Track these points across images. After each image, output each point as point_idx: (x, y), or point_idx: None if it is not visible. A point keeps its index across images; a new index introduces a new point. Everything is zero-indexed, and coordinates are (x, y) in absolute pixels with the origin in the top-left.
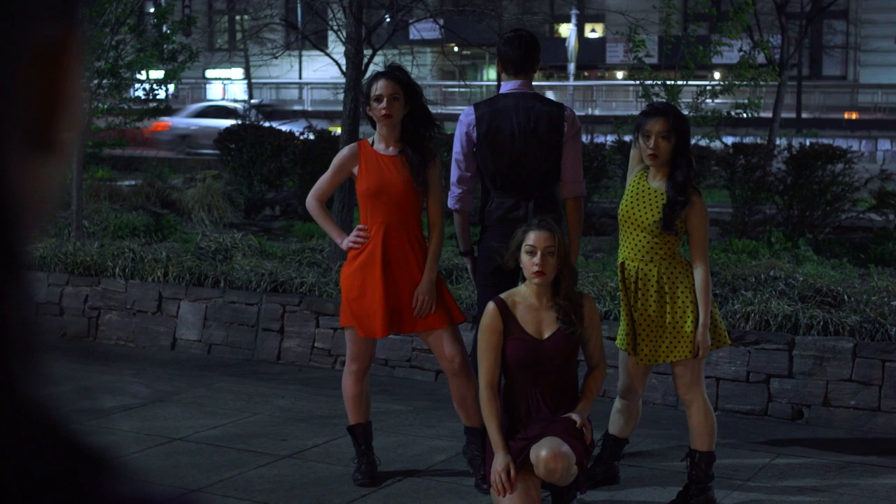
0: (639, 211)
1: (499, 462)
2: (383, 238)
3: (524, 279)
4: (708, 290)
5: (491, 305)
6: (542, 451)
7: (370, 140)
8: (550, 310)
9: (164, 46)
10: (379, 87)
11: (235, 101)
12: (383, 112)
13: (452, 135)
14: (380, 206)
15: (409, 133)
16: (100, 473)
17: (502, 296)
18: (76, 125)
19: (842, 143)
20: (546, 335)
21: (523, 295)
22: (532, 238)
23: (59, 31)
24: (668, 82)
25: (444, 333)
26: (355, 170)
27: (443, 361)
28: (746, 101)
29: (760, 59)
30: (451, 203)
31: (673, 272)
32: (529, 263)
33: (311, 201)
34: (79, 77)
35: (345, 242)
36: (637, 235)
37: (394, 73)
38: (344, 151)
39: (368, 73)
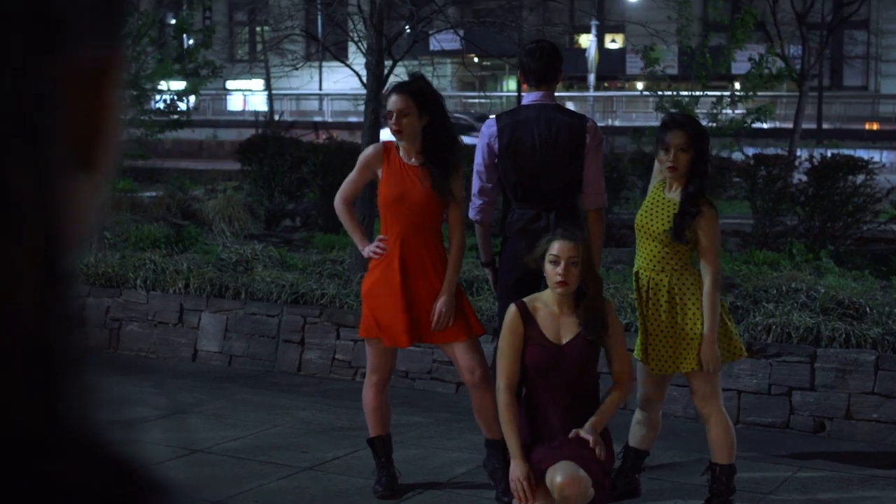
0: (652, 221)
1: (518, 470)
2: (401, 248)
3: (547, 287)
4: (714, 300)
5: (512, 308)
6: (557, 477)
7: (397, 146)
8: (571, 317)
9: (187, 63)
10: (391, 102)
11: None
12: (394, 128)
13: (471, 146)
14: (399, 216)
15: (429, 144)
16: (149, 495)
17: (525, 299)
18: (118, 144)
19: (863, 153)
20: (565, 341)
21: (545, 301)
22: (556, 248)
23: (102, 52)
24: (684, 93)
25: (464, 346)
26: (379, 171)
27: (463, 373)
28: (761, 108)
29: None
30: (472, 214)
31: (684, 283)
32: (553, 273)
33: (338, 203)
34: (120, 97)
35: (366, 250)
36: (650, 245)
37: (406, 87)
38: (369, 150)
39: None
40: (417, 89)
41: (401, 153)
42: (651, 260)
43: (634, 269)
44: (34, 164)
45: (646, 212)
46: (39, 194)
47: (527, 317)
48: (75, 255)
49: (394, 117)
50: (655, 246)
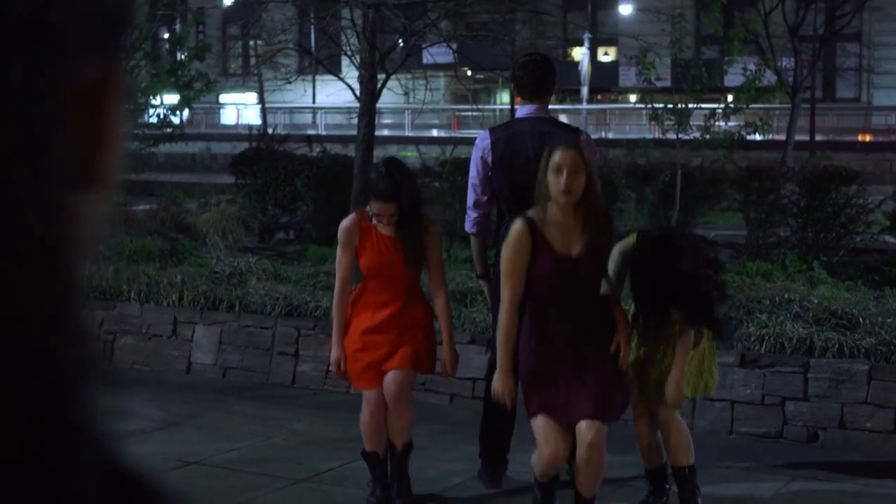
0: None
1: (503, 384)
2: (380, 305)
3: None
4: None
5: (519, 222)
6: (587, 438)
7: (368, 210)
8: (579, 228)
9: (179, 74)
10: (380, 207)
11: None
12: (383, 222)
13: (468, 158)
14: (377, 284)
15: (403, 222)
16: None
17: (530, 212)
18: (120, 159)
19: (856, 165)
20: (575, 253)
21: (551, 214)
22: (559, 156)
23: (103, 66)
24: (678, 105)
25: (401, 373)
26: (356, 241)
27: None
28: (759, 121)
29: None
30: (467, 227)
31: None
32: (556, 182)
33: (337, 287)
34: (122, 111)
35: (332, 356)
36: None
37: (392, 191)
38: (344, 225)
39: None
40: (400, 192)
41: (375, 221)
42: None
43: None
44: (38, 179)
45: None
46: (44, 210)
47: (535, 230)
48: (81, 269)
49: (384, 220)
50: None
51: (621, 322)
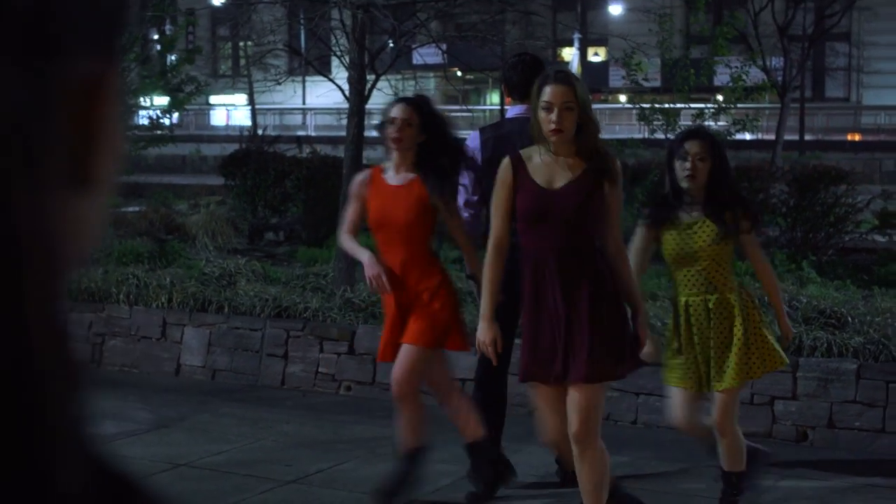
0: (688, 242)
1: (486, 333)
2: (389, 265)
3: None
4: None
5: (506, 159)
6: (573, 423)
7: (383, 168)
8: (567, 164)
9: (170, 77)
10: (394, 110)
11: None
12: (393, 135)
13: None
14: (382, 237)
15: (422, 160)
16: None
17: (521, 151)
18: (116, 160)
19: (845, 165)
20: (558, 185)
21: (542, 151)
22: (548, 93)
23: (99, 65)
24: (666, 105)
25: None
26: (367, 195)
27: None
28: (746, 117)
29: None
30: None
31: (733, 296)
32: (546, 120)
33: (341, 235)
34: (117, 112)
35: (368, 269)
36: (692, 269)
37: (413, 99)
38: (356, 179)
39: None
40: (422, 105)
41: (387, 174)
42: (697, 283)
43: (681, 300)
44: (33, 179)
45: (675, 238)
46: (38, 212)
47: (518, 165)
48: (75, 272)
49: (397, 124)
50: (701, 266)
51: (639, 307)
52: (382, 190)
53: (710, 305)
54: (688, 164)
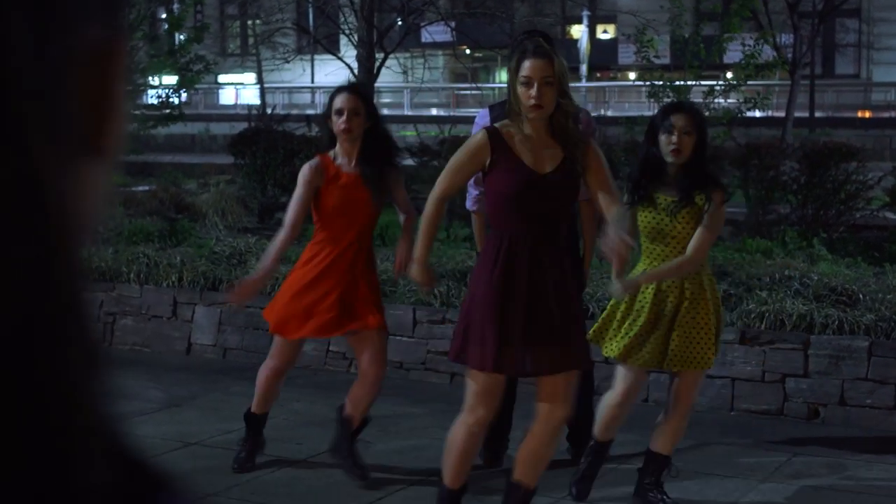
0: (668, 222)
1: (419, 273)
2: (338, 253)
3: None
4: (676, 270)
5: (482, 132)
6: (557, 411)
7: (332, 154)
8: (551, 145)
9: (178, 56)
10: (340, 100)
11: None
12: (343, 126)
13: (466, 137)
14: (338, 225)
15: (368, 150)
16: (159, 491)
17: (497, 125)
18: (122, 129)
19: (855, 141)
20: (548, 170)
21: (519, 128)
22: (527, 68)
23: (105, 33)
24: (677, 82)
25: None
26: (321, 185)
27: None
28: (757, 95)
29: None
30: (469, 205)
31: (698, 279)
32: (525, 95)
33: (283, 230)
34: (124, 80)
35: (241, 283)
36: (663, 248)
37: (355, 87)
38: (307, 167)
39: (381, 76)
40: (363, 92)
41: (339, 161)
42: (665, 260)
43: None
44: (49, 145)
45: (653, 216)
46: (50, 181)
47: (498, 143)
48: (84, 245)
49: (345, 115)
50: (678, 245)
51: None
52: (341, 178)
53: (686, 285)
54: (674, 138)
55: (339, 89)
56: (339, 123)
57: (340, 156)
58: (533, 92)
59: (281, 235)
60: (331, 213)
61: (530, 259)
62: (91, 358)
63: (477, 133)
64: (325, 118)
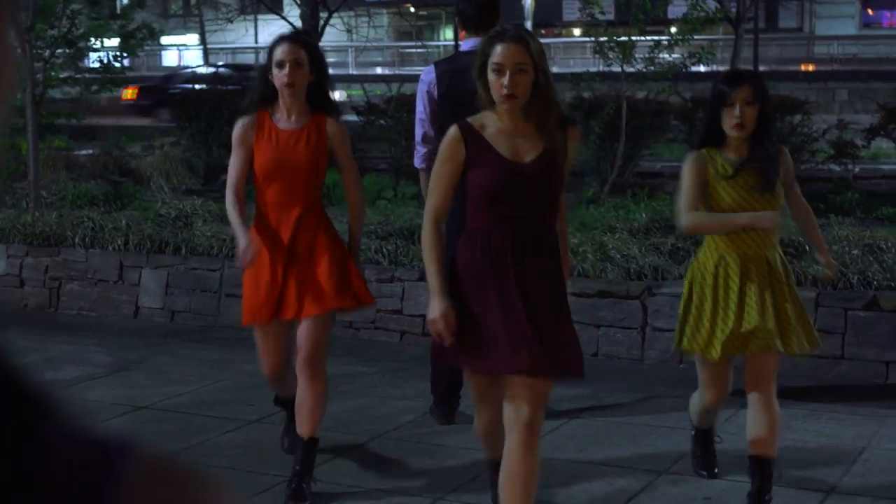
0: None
1: (437, 309)
2: (280, 219)
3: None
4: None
5: (454, 129)
6: (524, 409)
7: (270, 113)
8: (528, 135)
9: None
10: (282, 51)
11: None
12: (285, 79)
13: (413, 95)
14: (277, 187)
15: (314, 104)
16: (45, 417)
17: (469, 119)
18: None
19: (799, 95)
20: (527, 160)
21: (493, 120)
22: (499, 54)
23: None
24: (622, 38)
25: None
26: (253, 142)
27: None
28: (701, 50)
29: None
30: (417, 162)
31: (779, 252)
32: (498, 85)
33: (229, 195)
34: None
35: (245, 254)
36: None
37: (299, 37)
38: (239, 124)
39: (326, 35)
40: (309, 42)
41: (276, 116)
42: (756, 237)
43: (713, 258)
44: None
45: (728, 189)
46: None
47: (472, 138)
48: None
49: (286, 67)
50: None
51: (565, 258)
52: (276, 136)
53: (770, 261)
54: (736, 111)
55: (279, 39)
56: (280, 76)
57: (279, 111)
58: (505, 81)
59: (230, 203)
60: (266, 175)
61: (514, 260)
62: None
63: (449, 130)
64: (264, 72)
